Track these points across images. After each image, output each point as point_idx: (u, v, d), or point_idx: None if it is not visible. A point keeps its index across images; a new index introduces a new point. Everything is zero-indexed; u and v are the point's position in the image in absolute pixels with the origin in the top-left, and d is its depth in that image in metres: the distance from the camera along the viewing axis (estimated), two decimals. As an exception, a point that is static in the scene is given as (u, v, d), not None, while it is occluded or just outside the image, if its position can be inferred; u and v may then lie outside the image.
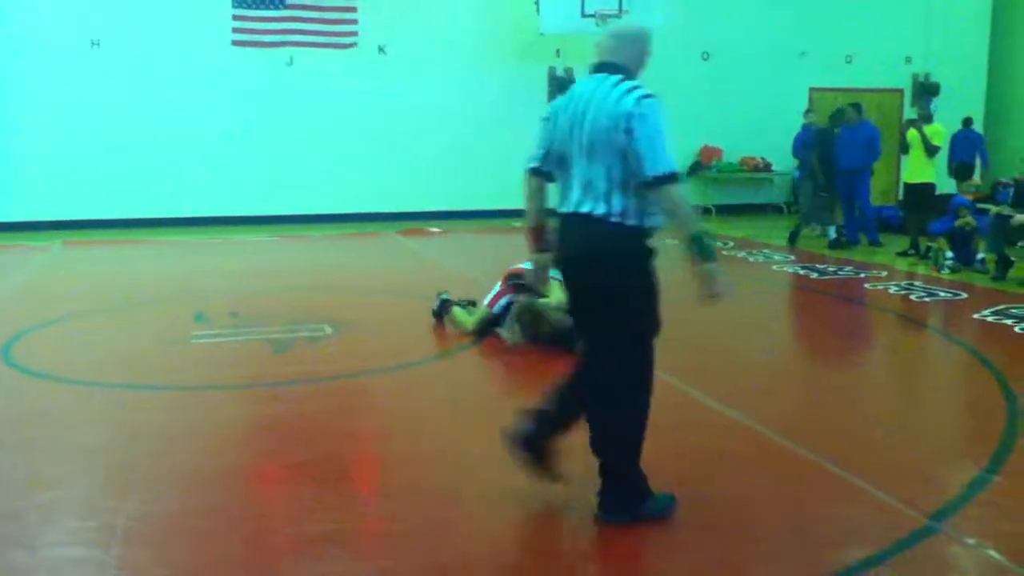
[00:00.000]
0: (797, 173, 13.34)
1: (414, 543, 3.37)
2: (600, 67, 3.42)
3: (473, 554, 3.31)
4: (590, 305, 3.43)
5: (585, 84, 3.41)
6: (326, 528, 3.46)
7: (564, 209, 3.43)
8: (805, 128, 12.55)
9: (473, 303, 6.89)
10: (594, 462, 3.47)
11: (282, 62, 13.93)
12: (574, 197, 3.36)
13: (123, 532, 3.40)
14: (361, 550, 3.36)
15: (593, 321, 3.45)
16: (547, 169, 3.53)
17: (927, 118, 10.74)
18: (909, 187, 10.55)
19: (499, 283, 6.51)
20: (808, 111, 13.12)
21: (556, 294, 5.89)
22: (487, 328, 6.42)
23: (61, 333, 6.88)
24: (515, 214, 15.03)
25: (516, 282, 6.33)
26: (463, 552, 3.32)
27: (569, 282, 3.49)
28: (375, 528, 3.59)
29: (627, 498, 3.44)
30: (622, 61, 3.41)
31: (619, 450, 3.43)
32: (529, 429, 3.57)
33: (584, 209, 3.32)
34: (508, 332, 6.18)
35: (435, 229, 13.66)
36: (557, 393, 3.61)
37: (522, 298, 6.13)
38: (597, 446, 3.46)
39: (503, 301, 6.36)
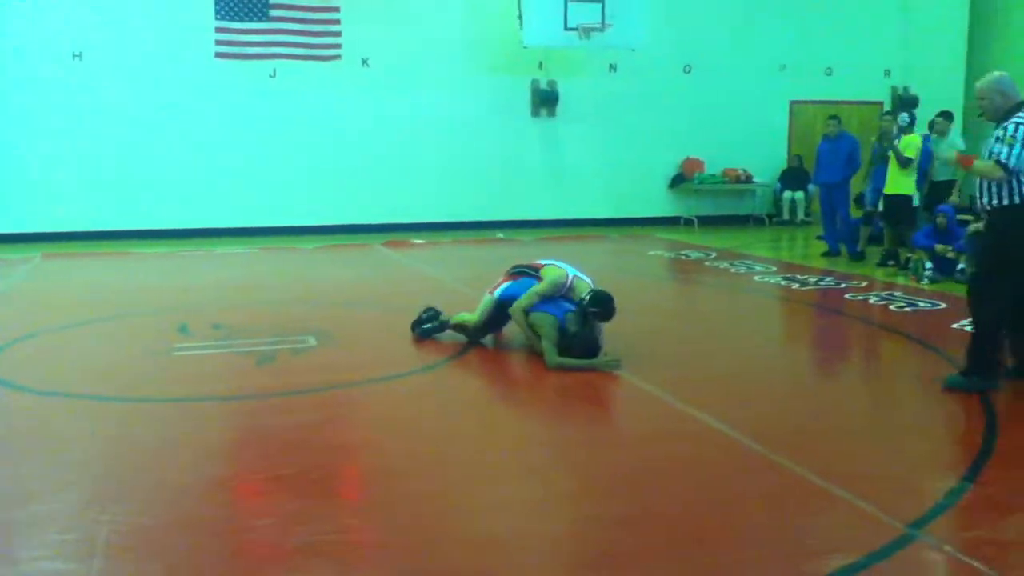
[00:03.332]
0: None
1: (399, 553, 3.37)
2: None
3: (459, 564, 3.32)
4: None
5: None
6: (310, 539, 3.45)
7: None
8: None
9: (433, 308, 6.91)
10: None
11: (265, 74, 13.93)
12: None
13: (104, 545, 3.39)
14: (346, 561, 3.35)
15: None
16: None
17: (905, 130, 10.82)
18: (887, 198, 10.65)
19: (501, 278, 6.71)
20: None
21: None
22: (492, 317, 6.54)
23: (42, 346, 6.83)
24: (498, 225, 14.91)
25: (517, 270, 6.62)
26: (449, 562, 3.33)
27: None
28: (360, 539, 3.59)
29: None
30: None
31: None
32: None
33: None
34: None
35: (419, 241, 13.68)
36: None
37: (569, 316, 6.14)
38: None
39: (504, 286, 6.54)
